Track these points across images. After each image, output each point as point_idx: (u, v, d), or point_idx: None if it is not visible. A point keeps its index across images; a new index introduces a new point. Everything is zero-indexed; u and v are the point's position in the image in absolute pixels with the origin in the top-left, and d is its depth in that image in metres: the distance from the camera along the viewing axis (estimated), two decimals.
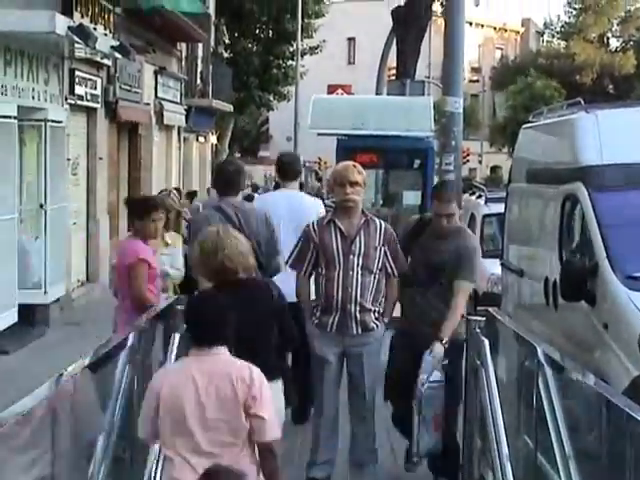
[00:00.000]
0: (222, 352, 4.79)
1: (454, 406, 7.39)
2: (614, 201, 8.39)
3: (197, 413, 4.65)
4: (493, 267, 13.17)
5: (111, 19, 18.06)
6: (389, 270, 7.24)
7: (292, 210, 8.70)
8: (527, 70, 55.54)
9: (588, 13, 62.02)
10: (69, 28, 13.76)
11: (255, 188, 29.17)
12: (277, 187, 11.31)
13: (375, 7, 49.68)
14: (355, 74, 53.23)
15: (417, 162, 14.22)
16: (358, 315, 7.09)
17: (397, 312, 7.63)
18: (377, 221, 7.27)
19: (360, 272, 7.09)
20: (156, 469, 5.54)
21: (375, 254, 7.13)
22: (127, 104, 19.98)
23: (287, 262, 7.39)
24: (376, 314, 7.19)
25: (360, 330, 7.13)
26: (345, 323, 7.10)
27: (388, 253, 7.20)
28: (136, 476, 5.76)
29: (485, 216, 15.50)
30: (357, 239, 7.10)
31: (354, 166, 7.28)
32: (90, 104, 17.62)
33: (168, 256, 9.05)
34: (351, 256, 7.08)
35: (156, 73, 23.49)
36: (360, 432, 7.43)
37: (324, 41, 39.34)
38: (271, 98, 38.54)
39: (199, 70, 30.76)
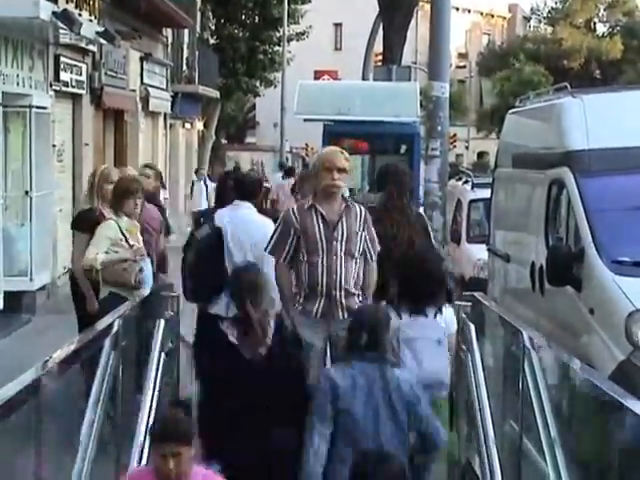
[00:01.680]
0: None
1: None
2: (600, 186, 8.40)
3: None
4: (480, 252, 13.17)
5: (96, 5, 17.95)
6: (368, 255, 7.22)
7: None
8: (515, 55, 55.56)
9: None
10: (53, 14, 13.69)
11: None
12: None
13: None
14: (342, 60, 53.09)
15: (403, 147, 14.24)
16: (343, 300, 7.05)
17: None
18: (357, 206, 7.24)
19: (343, 257, 7.05)
20: (141, 456, 5.54)
21: (356, 239, 7.10)
22: (113, 90, 19.89)
23: (266, 248, 7.29)
24: (359, 297, 7.16)
25: (345, 315, 7.10)
26: (330, 309, 7.06)
27: (367, 238, 7.18)
28: (121, 462, 5.75)
29: (471, 201, 15.49)
30: (339, 224, 7.06)
31: (341, 152, 7.25)
32: (75, 90, 17.54)
33: None
34: (334, 242, 7.04)
35: (142, 59, 23.39)
36: None
37: (310, 27, 39.24)
38: (257, 84, 38.46)
39: (185, 56, 30.67)
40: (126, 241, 7.84)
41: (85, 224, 8.28)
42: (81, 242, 8.25)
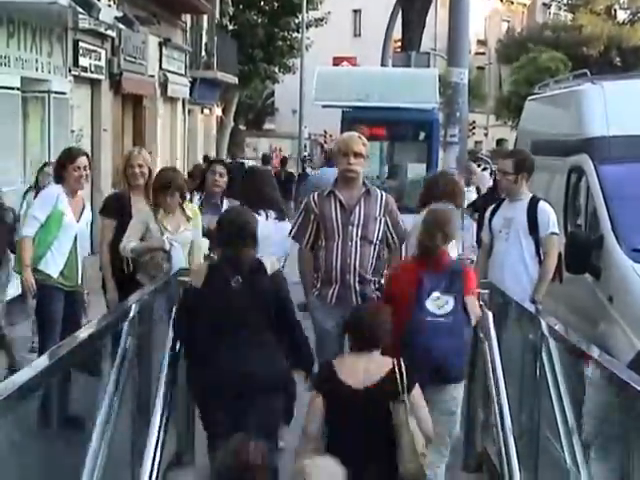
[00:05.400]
0: None
1: None
2: (620, 173, 8.34)
3: None
4: None
5: None
6: (390, 241, 7.19)
7: None
8: (534, 42, 55.25)
9: None
10: None
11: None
12: None
13: None
14: (360, 46, 52.95)
15: (422, 134, 14.18)
16: (357, 286, 7.03)
17: None
18: (378, 191, 7.22)
19: (359, 243, 7.02)
20: (157, 442, 5.53)
21: (375, 225, 7.07)
22: (131, 76, 19.89)
23: (289, 234, 7.35)
24: (377, 284, 7.12)
25: (360, 301, 7.07)
26: (345, 294, 7.04)
27: (389, 224, 7.15)
28: (137, 448, 5.74)
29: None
30: (356, 209, 7.04)
31: (359, 137, 7.24)
32: (94, 76, 17.55)
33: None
34: (350, 227, 7.02)
35: (160, 45, 23.38)
36: None
37: (329, 13, 39.14)
38: (276, 70, 38.41)
39: (204, 42, 30.61)
40: (161, 232, 7.64)
41: (112, 209, 8.04)
42: (106, 228, 8.02)
